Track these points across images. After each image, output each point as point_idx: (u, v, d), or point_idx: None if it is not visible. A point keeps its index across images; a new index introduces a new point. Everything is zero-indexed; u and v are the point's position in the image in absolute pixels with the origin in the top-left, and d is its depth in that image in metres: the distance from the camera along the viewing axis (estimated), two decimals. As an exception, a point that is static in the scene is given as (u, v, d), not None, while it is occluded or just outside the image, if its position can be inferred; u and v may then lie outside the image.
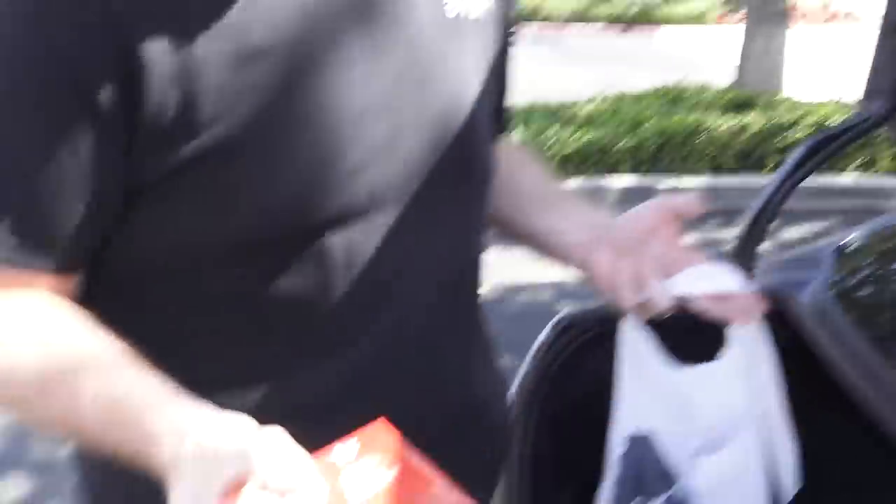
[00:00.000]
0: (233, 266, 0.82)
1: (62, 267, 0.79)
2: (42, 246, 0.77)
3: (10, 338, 0.76)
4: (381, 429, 0.63)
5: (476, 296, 1.03)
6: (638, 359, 1.11)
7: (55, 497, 2.78)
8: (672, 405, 1.12)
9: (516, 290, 4.27)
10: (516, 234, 1.15)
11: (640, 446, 1.12)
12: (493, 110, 1.01)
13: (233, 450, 0.61)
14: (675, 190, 5.34)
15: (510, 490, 1.35)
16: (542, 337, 1.43)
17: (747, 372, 1.10)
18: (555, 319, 1.46)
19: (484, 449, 1.05)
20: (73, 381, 0.73)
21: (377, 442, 0.62)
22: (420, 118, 0.87)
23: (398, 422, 0.91)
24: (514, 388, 1.42)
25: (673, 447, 1.11)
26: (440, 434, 0.95)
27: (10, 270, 0.77)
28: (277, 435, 0.63)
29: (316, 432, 0.73)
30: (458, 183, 0.92)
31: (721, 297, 1.01)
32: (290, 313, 0.84)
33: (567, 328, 1.43)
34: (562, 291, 4.27)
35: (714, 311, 1.01)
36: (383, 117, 0.84)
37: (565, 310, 1.49)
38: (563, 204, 1.12)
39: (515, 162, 1.14)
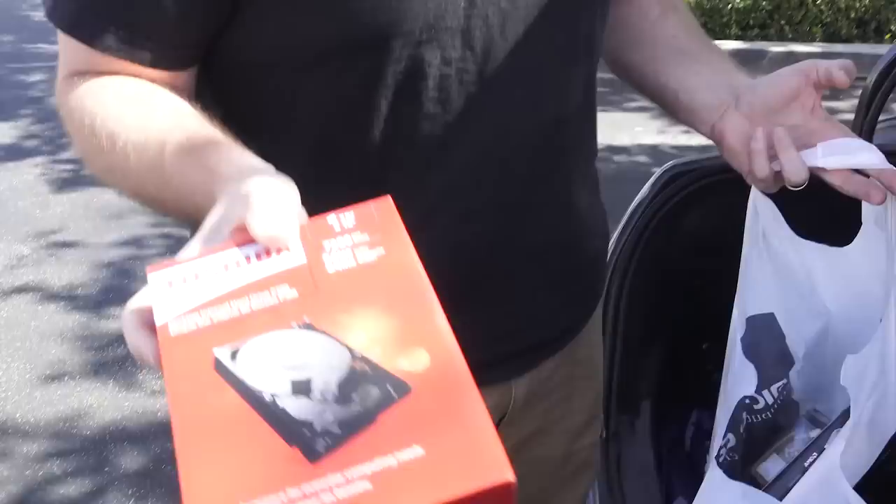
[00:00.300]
0: (332, 72, 0.80)
1: (166, 61, 0.79)
2: (146, 38, 0.77)
3: (108, 90, 0.78)
4: (382, 207, 0.60)
5: (585, 128, 0.99)
6: (764, 234, 1.05)
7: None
8: (797, 286, 1.06)
9: (613, 151, 4.20)
10: (647, 88, 1.07)
11: (762, 328, 1.07)
12: None
13: (242, 195, 0.61)
14: (786, 56, 5.11)
15: (603, 336, 1.35)
16: (645, 189, 1.40)
17: (886, 256, 0.99)
18: (660, 171, 1.43)
19: (579, 278, 1.03)
20: (163, 122, 0.74)
21: (374, 219, 0.60)
22: None
23: (489, 238, 0.91)
24: (613, 240, 1.41)
25: (793, 330, 1.06)
26: (531, 256, 0.94)
27: (116, 62, 0.78)
28: (280, 187, 0.62)
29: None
30: (566, 6, 0.88)
31: (860, 174, 0.94)
32: (386, 124, 0.83)
33: (671, 180, 1.39)
34: (658, 154, 4.19)
35: (851, 187, 0.93)
36: None
37: (671, 162, 1.44)
38: (703, 61, 1.03)
39: (655, 7, 1.07)
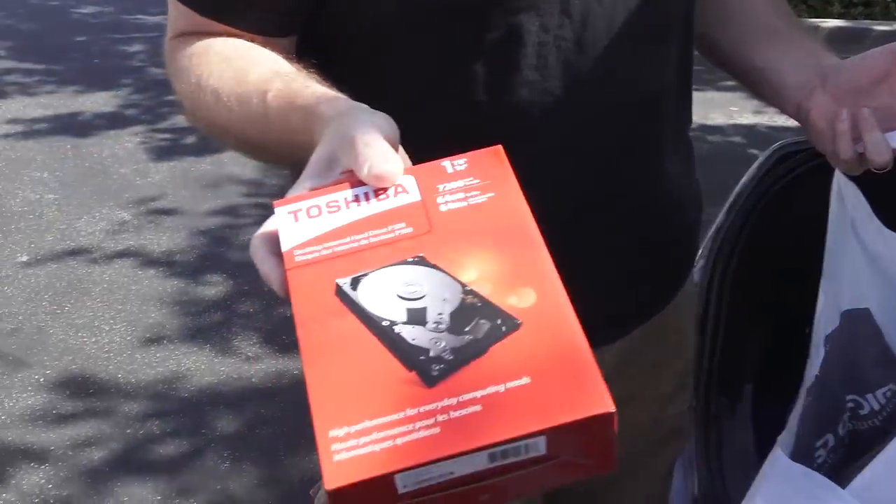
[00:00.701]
0: (432, 39, 0.82)
1: (268, 28, 0.82)
2: (249, 4, 0.81)
3: (212, 49, 0.82)
4: (493, 154, 0.64)
5: (680, 104, 0.98)
6: (853, 223, 1.03)
7: (252, 298, 2.97)
8: (891, 281, 1.03)
9: (707, 131, 4.13)
10: (733, 68, 1.07)
11: (858, 325, 1.05)
12: None
13: (347, 138, 0.63)
14: (890, 35, 4.93)
15: (705, 317, 1.33)
16: (754, 167, 1.38)
17: None
18: (769, 150, 1.40)
19: (671, 248, 1.03)
20: (263, 73, 0.77)
21: (485, 165, 0.63)
22: None
23: (580, 205, 0.91)
24: (718, 220, 1.39)
25: (892, 329, 1.04)
26: (623, 224, 0.95)
27: (219, 25, 0.82)
28: (382, 126, 0.64)
29: None
30: None
31: None
32: (485, 90, 0.84)
33: (781, 160, 1.36)
34: (754, 135, 4.10)
35: None
36: None
37: (779, 142, 1.42)
38: (791, 40, 1.03)
39: None
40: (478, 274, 0.56)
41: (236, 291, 3.01)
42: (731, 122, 4.30)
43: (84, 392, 2.52)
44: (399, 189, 0.61)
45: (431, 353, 0.52)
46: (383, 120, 0.65)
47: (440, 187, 0.61)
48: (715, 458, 1.29)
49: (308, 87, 0.74)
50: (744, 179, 1.38)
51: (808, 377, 1.06)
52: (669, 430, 1.15)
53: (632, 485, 1.14)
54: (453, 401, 0.49)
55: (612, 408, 0.48)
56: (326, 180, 0.63)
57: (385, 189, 0.61)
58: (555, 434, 0.48)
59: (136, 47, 5.70)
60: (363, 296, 0.56)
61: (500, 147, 0.64)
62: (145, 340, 2.75)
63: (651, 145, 0.95)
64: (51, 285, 3.03)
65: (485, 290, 0.55)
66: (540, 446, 0.49)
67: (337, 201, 0.61)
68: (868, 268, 1.06)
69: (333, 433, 0.49)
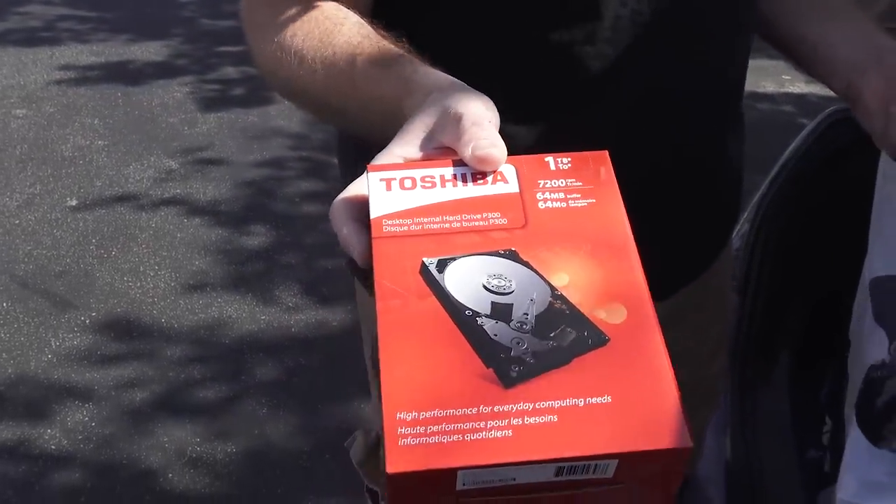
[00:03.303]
0: (510, 9, 0.81)
1: None
2: None
3: (294, 7, 0.81)
4: (599, 158, 0.61)
5: (738, 74, 0.98)
6: (891, 197, 1.02)
7: (294, 249, 3.00)
8: None
9: (757, 99, 4.07)
10: (783, 41, 1.05)
11: (890, 289, 1.05)
12: None
13: (452, 114, 0.61)
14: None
15: (747, 281, 1.33)
16: (804, 133, 1.36)
17: None
18: (820, 116, 1.38)
19: (718, 211, 1.04)
20: (352, 37, 0.76)
21: (589, 168, 0.60)
22: None
23: (643, 173, 0.91)
24: (765, 185, 1.38)
25: None
26: (678, 193, 0.96)
27: None
28: (488, 110, 0.62)
29: None
30: None
31: None
32: (561, 61, 0.84)
33: (831, 127, 1.34)
34: (804, 105, 4.03)
35: None
36: None
37: (832, 108, 1.40)
38: (846, 17, 1.01)
39: None
40: (569, 280, 0.54)
41: (279, 242, 3.04)
42: (783, 90, 4.23)
43: (128, 335, 2.58)
44: (498, 177, 0.59)
45: (512, 353, 0.50)
46: (488, 102, 0.64)
47: (541, 183, 0.59)
48: (749, 423, 1.29)
49: (402, 54, 0.73)
50: (792, 146, 1.36)
51: (868, 357, 1.06)
52: (706, 390, 1.16)
53: None
54: (529, 406, 0.48)
55: (690, 444, 0.47)
56: (418, 153, 0.61)
57: (484, 174, 0.59)
58: (627, 460, 0.47)
59: (187, -2, 5.74)
60: (449, 280, 0.54)
61: (605, 153, 0.62)
62: (189, 287, 2.80)
63: (715, 125, 0.95)
64: (98, 230, 3.09)
65: (575, 298, 0.53)
66: (610, 469, 0.47)
67: (433, 177, 0.59)
68: None
69: (402, 416, 0.47)
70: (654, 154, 0.91)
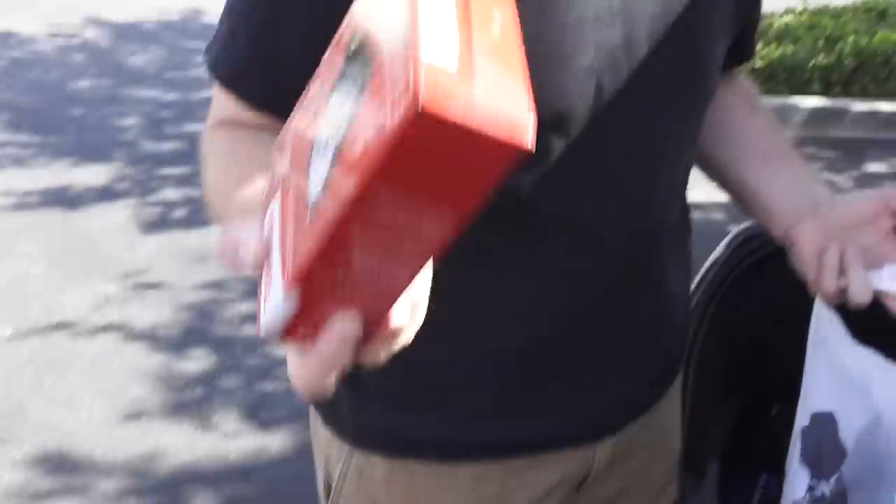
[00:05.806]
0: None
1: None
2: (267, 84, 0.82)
3: (226, 149, 0.83)
4: None
5: (681, 209, 1.02)
6: (826, 339, 1.06)
7: (233, 373, 2.97)
8: (851, 389, 1.07)
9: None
10: (725, 184, 1.12)
11: (823, 424, 1.08)
12: (734, 34, 0.97)
13: None
14: (869, 115, 5.02)
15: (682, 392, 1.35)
16: (718, 250, 1.40)
17: None
18: (732, 233, 1.43)
19: (669, 348, 1.07)
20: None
21: None
22: (654, 27, 0.84)
23: (589, 314, 0.93)
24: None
25: (845, 428, 1.08)
26: (629, 331, 0.98)
27: (256, 118, 0.83)
28: None
29: (514, 317, 0.81)
30: (681, 98, 0.90)
31: None
32: (505, 204, 0.84)
33: (744, 242, 1.39)
34: (734, 213, 4.14)
35: None
36: (618, 22, 0.82)
37: (743, 224, 1.44)
38: (784, 164, 1.07)
39: (743, 107, 1.10)
40: None
41: (218, 366, 3.01)
42: (712, 199, 4.33)
43: (61, 469, 2.51)
44: None
45: None
46: None
47: None
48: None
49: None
50: (710, 259, 1.41)
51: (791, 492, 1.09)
52: None
53: None
54: None
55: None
56: None
57: None
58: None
59: (130, 121, 5.76)
60: None
61: None
62: (125, 416, 2.75)
63: (655, 255, 0.98)
64: (33, 360, 3.03)
65: None
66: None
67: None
68: (835, 379, 1.10)
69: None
70: (603, 285, 0.93)
